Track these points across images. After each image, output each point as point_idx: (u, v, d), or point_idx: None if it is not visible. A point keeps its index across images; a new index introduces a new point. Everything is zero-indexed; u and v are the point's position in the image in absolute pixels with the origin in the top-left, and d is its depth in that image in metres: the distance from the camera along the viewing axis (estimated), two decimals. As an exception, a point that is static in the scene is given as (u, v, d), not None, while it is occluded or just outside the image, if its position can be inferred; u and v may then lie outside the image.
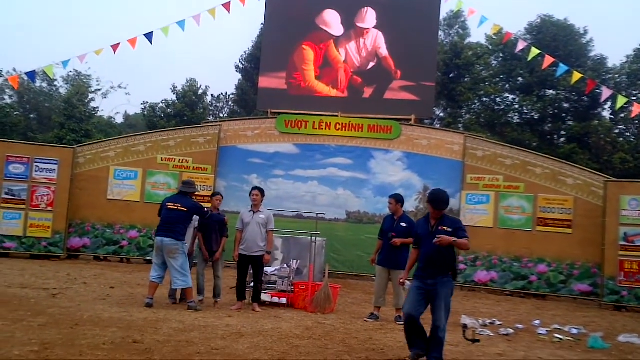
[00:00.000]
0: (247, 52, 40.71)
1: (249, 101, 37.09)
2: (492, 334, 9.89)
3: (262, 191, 11.25)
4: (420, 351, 7.55)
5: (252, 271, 11.13)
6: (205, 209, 11.06)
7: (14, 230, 16.68)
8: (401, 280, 8.46)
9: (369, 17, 18.94)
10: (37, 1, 76.31)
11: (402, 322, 10.46)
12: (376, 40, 18.85)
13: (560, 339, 9.97)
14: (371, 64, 18.87)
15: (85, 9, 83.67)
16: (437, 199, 7.80)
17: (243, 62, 41.01)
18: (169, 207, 10.61)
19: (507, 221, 16.78)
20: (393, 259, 10.77)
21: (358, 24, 18.98)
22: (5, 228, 16.62)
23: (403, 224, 10.89)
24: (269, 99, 19.31)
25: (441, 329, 7.46)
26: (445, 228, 7.58)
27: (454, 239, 7.40)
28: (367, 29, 18.92)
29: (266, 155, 18.61)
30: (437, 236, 7.36)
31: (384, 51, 18.78)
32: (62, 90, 46.33)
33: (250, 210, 11.12)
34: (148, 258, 17.36)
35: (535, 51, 17.57)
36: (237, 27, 65.27)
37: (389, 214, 11.31)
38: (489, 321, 11.09)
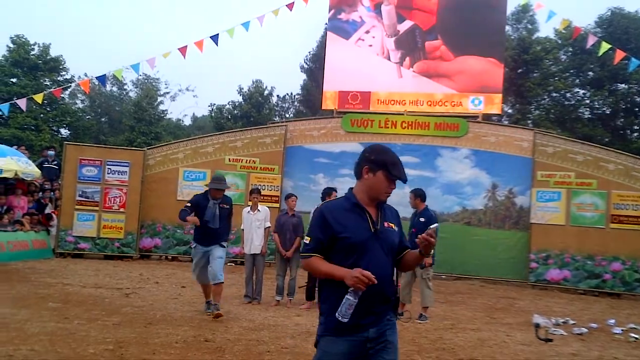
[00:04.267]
0: (311, 52, 40.88)
1: (314, 101, 37.23)
2: (565, 333, 9.68)
3: (336, 192, 11.30)
4: None
5: None
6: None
7: (88, 232, 17.07)
8: None
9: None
10: (106, 6, 78.13)
11: (425, 321, 10.33)
12: (440, 36, 18.66)
13: (636, 338, 9.70)
14: (435, 59, 18.67)
15: (152, 14, 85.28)
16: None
17: (308, 62, 41.22)
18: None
19: (579, 218, 16.40)
20: None
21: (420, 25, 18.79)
22: (80, 229, 17.02)
23: (422, 219, 10.60)
24: (333, 98, 19.26)
25: None
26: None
27: None
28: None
29: (332, 154, 18.58)
30: None
31: (449, 47, 18.57)
32: (132, 94, 47.50)
33: None
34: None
35: (606, 45, 17.13)
36: (302, 27, 65.63)
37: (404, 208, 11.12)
38: (562, 320, 10.85)
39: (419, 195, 10.93)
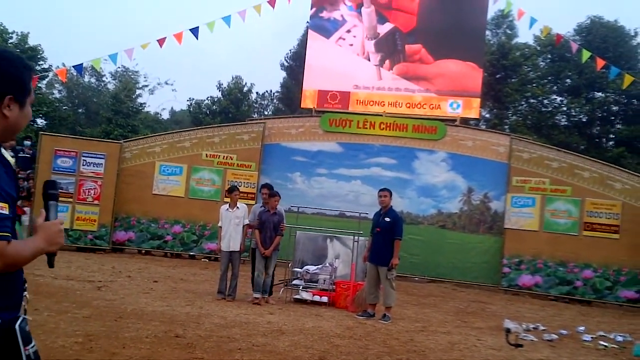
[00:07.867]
0: (292, 50, 40.85)
1: (293, 99, 37.18)
2: (535, 339, 9.73)
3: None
4: None
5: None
6: None
7: (61, 223, 16.88)
8: None
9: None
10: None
11: (388, 322, 10.35)
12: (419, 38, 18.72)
13: (605, 346, 9.78)
14: (415, 62, 18.73)
15: (133, 6, 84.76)
16: None
17: (288, 60, 41.15)
18: None
19: (552, 225, 16.52)
20: (377, 255, 10.77)
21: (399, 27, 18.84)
22: (53, 220, 16.84)
23: (387, 219, 10.80)
24: (313, 97, 19.24)
25: None
26: None
27: None
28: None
29: (310, 153, 18.58)
30: None
31: (429, 51, 18.63)
32: (110, 86, 47.06)
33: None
34: (192, 253, 17.58)
35: (587, 53, 17.29)
36: (283, 24, 65.48)
37: (378, 209, 11.22)
38: (532, 326, 10.92)
39: (391, 193, 11.15)
